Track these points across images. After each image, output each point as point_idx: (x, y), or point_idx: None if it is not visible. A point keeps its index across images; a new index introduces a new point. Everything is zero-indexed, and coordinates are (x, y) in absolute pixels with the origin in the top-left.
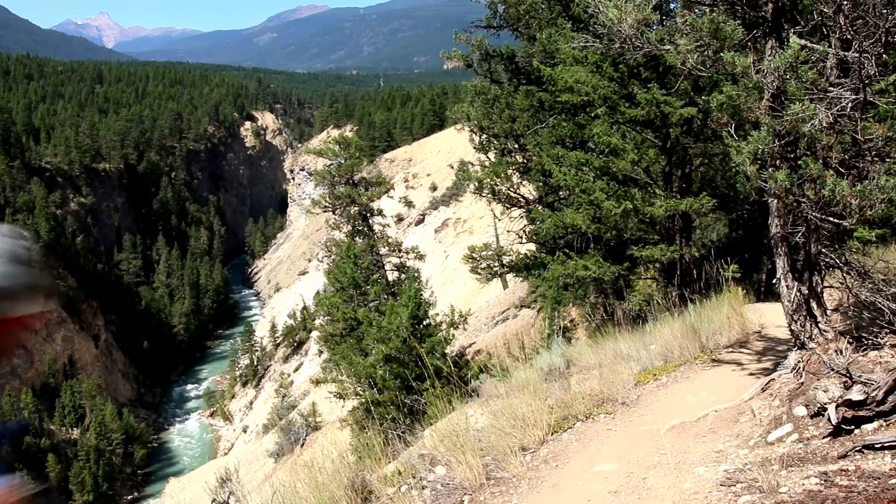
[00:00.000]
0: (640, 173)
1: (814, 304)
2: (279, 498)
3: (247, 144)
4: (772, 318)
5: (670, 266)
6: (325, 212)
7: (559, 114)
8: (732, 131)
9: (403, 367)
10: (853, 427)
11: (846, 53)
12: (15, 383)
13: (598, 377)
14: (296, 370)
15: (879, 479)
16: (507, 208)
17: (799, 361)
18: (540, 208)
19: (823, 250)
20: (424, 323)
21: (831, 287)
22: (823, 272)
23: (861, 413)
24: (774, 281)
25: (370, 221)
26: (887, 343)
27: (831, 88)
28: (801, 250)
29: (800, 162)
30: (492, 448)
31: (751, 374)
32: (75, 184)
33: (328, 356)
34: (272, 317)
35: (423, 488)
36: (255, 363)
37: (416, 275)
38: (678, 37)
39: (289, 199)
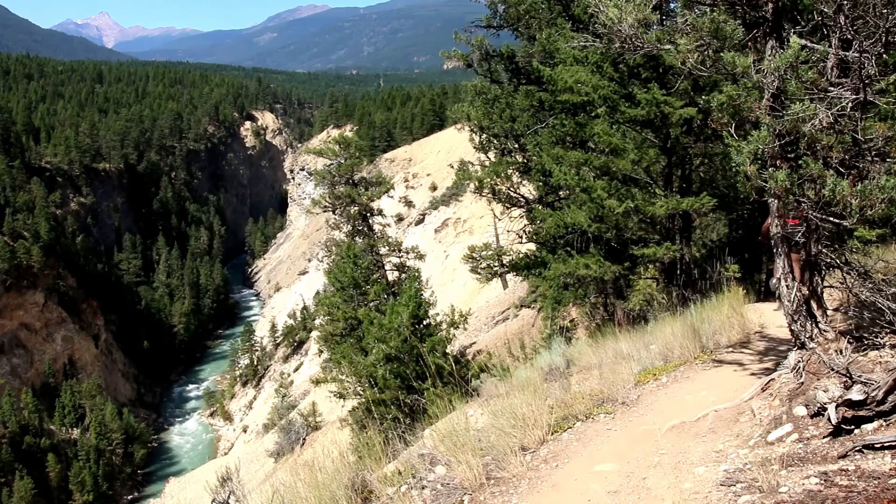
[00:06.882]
0: (640, 173)
1: (814, 304)
2: (279, 497)
3: (247, 144)
4: (772, 318)
5: (671, 266)
6: (325, 212)
7: (559, 113)
8: (732, 131)
9: (404, 366)
10: (853, 427)
11: (846, 53)
12: (15, 383)
13: (599, 377)
14: (296, 370)
15: (879, 478)
16: (507, 208)
17: (799, 361)
18: (540, 208)
19: (823, 250)
20: (425, 322)
21: (831, 287)
22: (823, 272)
23: (861, 413)
24: (774, 281)
25: (370, 221)
26: (887, 343)
27: (831, 88)
28: (802, 250)
29: (800, 162)
30: (492, 448)
31: (751, 373)
32: (75, 184)
33: (328, 356)
34: (272, 317)
35: (423, 488)
36: (255, 363)
37: (416, 274)
38: (678, 37)
39: (289, 199)
